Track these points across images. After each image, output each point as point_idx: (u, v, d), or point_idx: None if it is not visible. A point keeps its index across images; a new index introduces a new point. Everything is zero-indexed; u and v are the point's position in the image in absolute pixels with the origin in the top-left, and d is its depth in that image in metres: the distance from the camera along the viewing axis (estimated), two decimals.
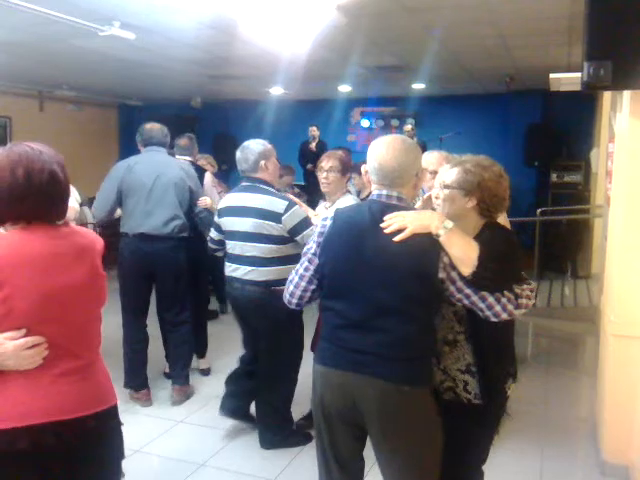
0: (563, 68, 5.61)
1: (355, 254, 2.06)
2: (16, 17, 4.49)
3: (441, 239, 1.99)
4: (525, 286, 2.12)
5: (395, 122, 10.00)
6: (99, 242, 1.89)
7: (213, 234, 3.71)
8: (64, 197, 1.79)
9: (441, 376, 2.21)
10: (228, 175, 9.77)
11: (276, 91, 9.13)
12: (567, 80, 4.52)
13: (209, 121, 10.41)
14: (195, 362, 4.85)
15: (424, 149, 10.22)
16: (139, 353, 4.27)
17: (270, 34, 5.06)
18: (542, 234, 7.04)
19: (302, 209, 3.43)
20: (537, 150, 8.75)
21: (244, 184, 3.53)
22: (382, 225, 2.02)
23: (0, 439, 1.62)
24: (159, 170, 4.11)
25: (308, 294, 2.21)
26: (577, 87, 3.15)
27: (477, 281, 1.98)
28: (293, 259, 3.22)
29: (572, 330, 6.05)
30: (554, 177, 8.65)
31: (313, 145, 9.18)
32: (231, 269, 3.53)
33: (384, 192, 2.13)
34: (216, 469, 3.40)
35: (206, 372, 4.85)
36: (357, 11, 4.39)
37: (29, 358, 1.64)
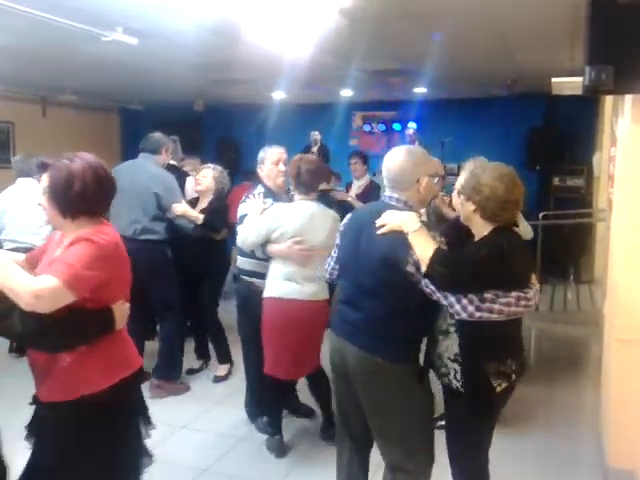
0: (565, 72, 5.60)
1: (354, 244, 2.46)
2: (19, 22, 4.50)
3: (409, 237, 2.23)
4: (514, 293, 2.15)
5: (397, 126, 9.97)
6: None
7: None
8: None
9: (437, 362, 2.38)
10: (231, 179, 9.77)
11: (278, 95, 9.14)
12: (569, 84, 4.52)
13: (211, 125, 10.42)
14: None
15: None
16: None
17: (272, 38, 5.06)
18: (544, 238, 7.03)
19: (245, 207, 3.66)
20: (539, 154, 8.73)
21: None
22: (376, 221, 2.35)
23: (123, 387, 2.09)
24: (130, 175, 4.39)
25: (335, 272, 2.69)
26: (579, 91, 3.15)
27: (429, 279, 2.18)
28: (246, 253, 3.65)
29: (575, 334, 6.04)
30: (556, 181, 8.62)
31: (315, 149, 9.18)
32: None
33: (387, 194, 2.47)
34: (219, 475, 3.40)
35: (218, 379, 4.79)
36: (359, 15, 4.39)
37: (125, 319, 2.16)
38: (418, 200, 2.46)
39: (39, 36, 5.08)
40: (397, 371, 2.34)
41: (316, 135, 9.16)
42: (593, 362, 4.91)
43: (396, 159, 2.40)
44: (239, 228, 3.57)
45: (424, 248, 2.18)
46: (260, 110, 9.82)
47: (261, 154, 3.85)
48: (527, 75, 7.14)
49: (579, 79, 3.01)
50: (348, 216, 2.66)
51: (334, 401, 2.76)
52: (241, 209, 3.67)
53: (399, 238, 2.25)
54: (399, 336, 2.34)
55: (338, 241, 2.65)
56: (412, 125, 9.47)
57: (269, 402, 3.66)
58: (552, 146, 8.66)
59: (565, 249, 7.74)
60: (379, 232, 2.30)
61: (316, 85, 8.04)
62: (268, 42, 5.21)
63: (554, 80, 4.74)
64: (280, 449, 3.59)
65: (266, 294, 3.45)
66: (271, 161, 3.78)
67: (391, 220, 2.30)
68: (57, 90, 8.85)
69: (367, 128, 10.31)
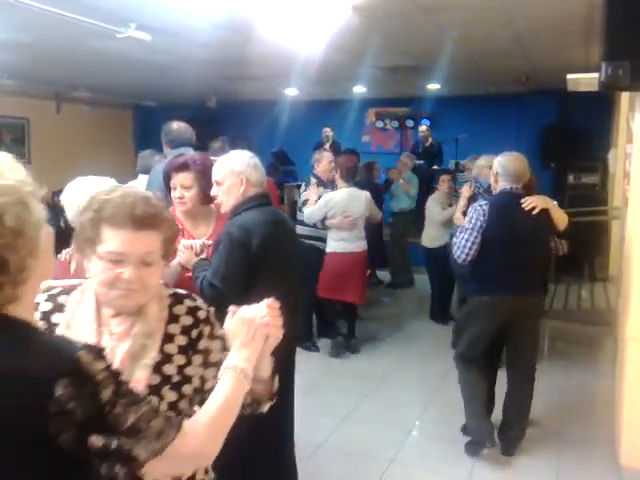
0: (580, 68, 5.54)
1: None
2: (34, 19, 4.54)
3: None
4: None
5: (410, 123, 9.93)
6: None
7: None
8: None
9: None
10: None
11: (291, 92, 9.14)
12: (585, 80, 4.47)
13: (224, 122, 10.44)
14: None
15: (440, 149, 10.14)
16: None
17: (285, 35, 5.06)
18: (558, 236, 6.95)
19: (306, 193, 5.35)
20: (554, 151, 8.65)
21: None
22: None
23: None
24: None
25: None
26: (595, 87, 3.12)
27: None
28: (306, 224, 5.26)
29: (589, 333, 5.99)
30: (571, 178, 8.54)
31: (327, 146, 9.17)
32: None
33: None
34: None
35: None
36: (372, 11, 4.38)
37: None
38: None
39: (53, 33, 5.12)
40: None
41: (328, 132, 9.15)
42: (607, 361, 4.87)
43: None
44: (304, 209, 5.19)
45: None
46: (273, 107, 9.83)
47: (317, 156, 5.50)
48: (541, 71, 7.08)
49: (595, 75, 2.98)
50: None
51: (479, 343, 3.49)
52: (302, 195, 5.36)
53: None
54: None
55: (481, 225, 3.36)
56: (425, 122, 9.42)
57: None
58: (567, 143, 8.58)
59: (580, 247, 7.63)
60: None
61: (329, 82, 8.03)
62: (281, 39, 5.21)
63: (569, 76, 4.69)
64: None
65: (329, 250, 5.17)
66: (327, 161, 5.38)
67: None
68: (71, 87, 8.91)
69: (380, 125, 10.27)
